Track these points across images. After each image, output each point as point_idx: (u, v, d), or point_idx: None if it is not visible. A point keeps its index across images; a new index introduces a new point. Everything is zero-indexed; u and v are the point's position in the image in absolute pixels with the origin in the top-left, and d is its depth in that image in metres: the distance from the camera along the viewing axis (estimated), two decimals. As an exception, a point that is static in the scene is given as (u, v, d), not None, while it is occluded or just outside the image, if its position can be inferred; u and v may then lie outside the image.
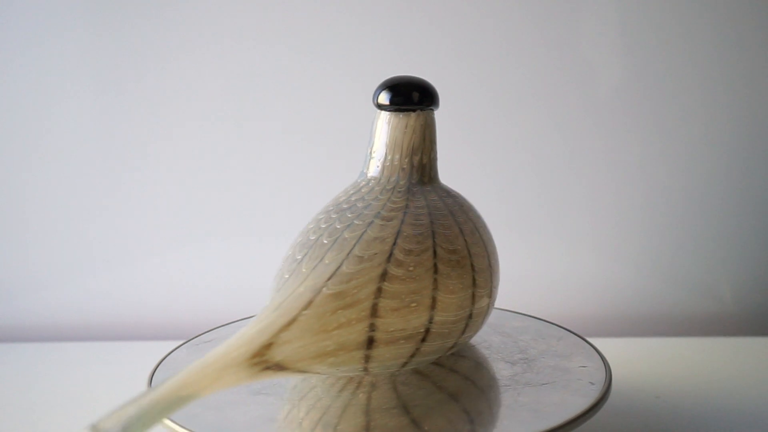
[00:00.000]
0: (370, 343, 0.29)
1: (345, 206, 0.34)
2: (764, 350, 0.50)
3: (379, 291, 0.29)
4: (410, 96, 0.35)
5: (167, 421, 0.29)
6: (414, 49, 0.53)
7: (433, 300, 0.30)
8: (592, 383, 0.31)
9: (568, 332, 0.39)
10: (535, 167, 0.54)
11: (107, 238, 0.56)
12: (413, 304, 0.30)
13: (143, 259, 0.56)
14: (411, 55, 0.54)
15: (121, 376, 0.46)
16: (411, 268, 0.30)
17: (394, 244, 0.31)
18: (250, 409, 0.31)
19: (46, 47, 0.53)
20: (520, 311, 0.43)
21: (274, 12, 0.53)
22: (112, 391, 0.44)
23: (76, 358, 0.51)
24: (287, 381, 0.34)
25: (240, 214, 0.55)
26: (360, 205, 0.33)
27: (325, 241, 0.32)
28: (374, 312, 0.29)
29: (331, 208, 0.34)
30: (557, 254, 0.55)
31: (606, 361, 0.35)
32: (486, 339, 0.38)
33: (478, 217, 0.35)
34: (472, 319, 0.33)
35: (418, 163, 0.35)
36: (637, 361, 0.47)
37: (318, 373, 0.29)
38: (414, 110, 0.35)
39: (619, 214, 0.55)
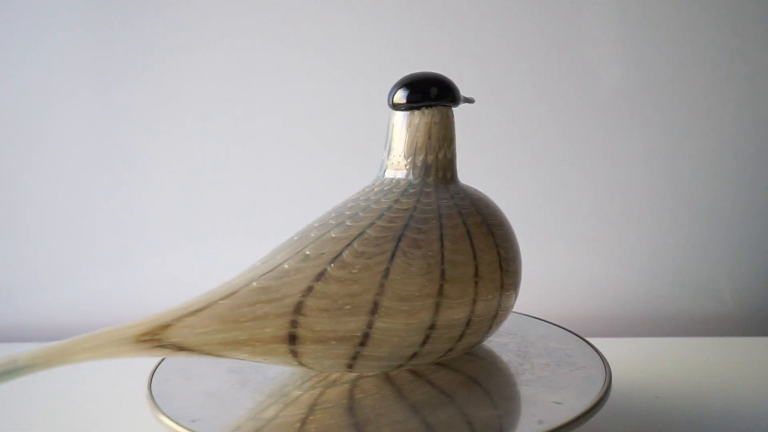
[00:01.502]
0: (293, 339, 0.29)
1: (339, 205, 0.34)
2: (764, 350, 0.50)
3: (309, 290, 0.29)
4: (409, 94, 0.34)
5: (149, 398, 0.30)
6: (414, 49, 0.53)
7: (375, 305, 0.29)
8: (541, 422, 0.29)
9: (569, 333, 0.39)
10: (536, 167, 0.55)
11: (107, 238, 0.56)
12: (347, 307, 0.29)
13: (143, 259, 0.56)
14: (411, 55, 0.54)
15: (121, 376, 0.46)
16: (355, 271, 0.30)
17: (349, 245, 0.30)
18: (215, 382, 0.33)
19: (45, 48, 0.53)
20: (532, 315, 0.42)
21: (274, 12, 0.53)
22: (111, 391, 0.44)
23: (76, 358, 0.51)
24: (267, 366, 0.34)
25: (240, 214, 0.55)
26: (350, 205, 0.33)
27: (296, 239, 0.32)
28: (298, 309, 0.29)
29: (332, 208, 0.34)
30: (558, 254, 0.55)
31: (606, 361, 0.35)
32: (501, 353, 0.37)
33: (482, 223, 0.33)
34: (436, 330, 0.31)
35: (422, 162, 0.34)
36: (637, 361, 0.47)
37: (242, 359, 0.29)
38: (418, 107, 0.34)
39: (619, 214, 0.55)
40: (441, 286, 0.31)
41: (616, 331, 0.55)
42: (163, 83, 0.54)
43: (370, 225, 0.31)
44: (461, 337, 0.32)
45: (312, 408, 0.30)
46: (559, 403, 0.31)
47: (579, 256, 0.55)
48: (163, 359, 0.36)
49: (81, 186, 0.55)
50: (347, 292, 0.29)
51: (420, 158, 0.34)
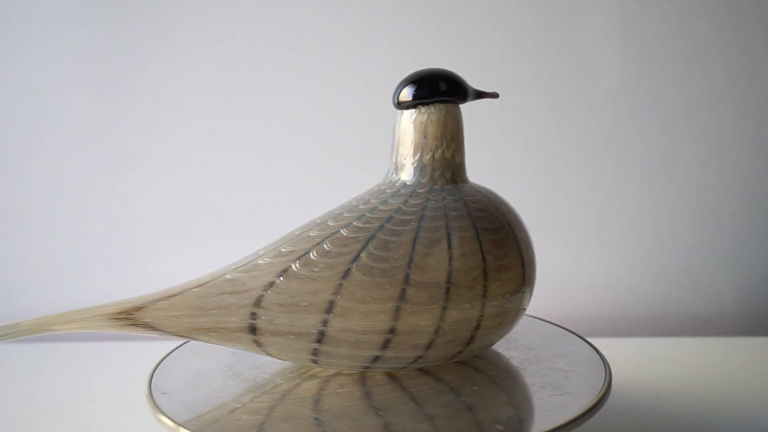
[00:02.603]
0: (254, 330, 0.30)
1: (337, 206, 0.34)
2: (764, 350, 0.50)
3: (270, 284, 0.30)
4: (406, 92, 0.34)
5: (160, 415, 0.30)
6: (416, 50, 0.53)
7: (331, 304, 0.30)
8: None
9: (569, 333, 0.39)
10: (536, 167, 0.55)
11: (107, 238, 0.56)
12: (303, 304, 0.30)
13: (143, 259, 0.56)
14: (413, 56, 0.54)
15: (121, 376, 0.46)
16: (317, 269, 0.30)
17: (319, 244, 0.31)
18: (211, 362, 0.35)
19: (47, 49, 0.53)
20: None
21: (274, 13, 0.53)
22: (111, 391, 0.44)
23: (76, 358, 0.51)
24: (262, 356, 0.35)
25: (240, 214, 0.55)
26: (344, 204, 0.33)
27: (283, 236, 0.33)
28: (258, 303, 0.30)
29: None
30: (558, 254, 0.55)
31: (606, 361, 0.35)
32: (498, 367, 0.35)
33: (469, 227, 0.31)
34: (397, 335, 0.30)
35: (419, 162, 0.33)
36: (637, 361, 0.47)
37: (213, 343, 0.31)
38: (415, 106, 0.34)
39: (619, 214, 0.55)
40: (403, 290, 0.30)
41: (616, 331, 0.55)
42: (164, 84, 0.54)
43: (347, 225, 0.31)
44: (430, 345, 0.31)
45: (283, 397, 0.31)
46: (501, 427, 0.29)
47: (579, 256, 0.55)
48: (153, 374, 0.35)
49: (81, 186, 0.55)
50: (306, 289, 0.30)
51: (416, 158, 0.33)
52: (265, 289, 0.30)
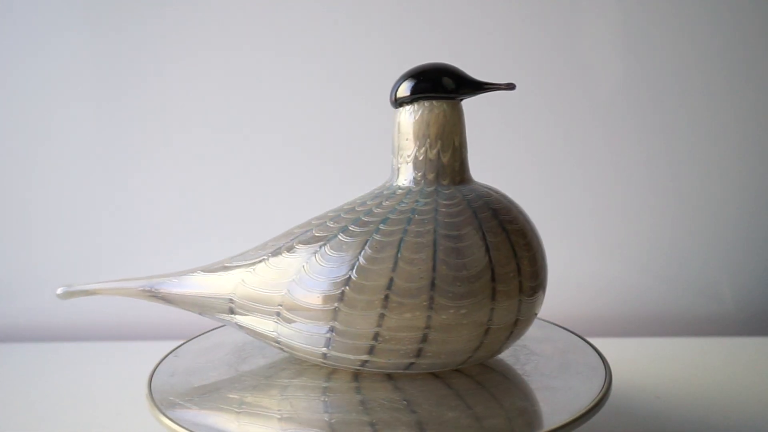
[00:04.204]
0: (232, 311, 0.33)
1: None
2: (764, 350, 0.50)
3: (245, 274, 0.33)
4: (393, 92, 0.33)
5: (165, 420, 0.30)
6: (415, 50, 0.53)
7: (282, 299, 0.31)
8: None
9: (569, 332, 0.39)
10: (536, 166, 0.54)
11: (107, 239, 0.56)
12: (263, 296, 0.32)
13: (143, 260, 0.56)
14: (412, 57, 0.53)
15: (121, 376, 0.46)
16: (281, 265, 0.32)
17: (291, 240, 0.32)
18: (228, 338, 0.39)
19: (48, 52, 0.53)
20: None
21: (273, 18, 0.53)
22: (111, 391, 0.44)
23: (76, 358, 0.51)
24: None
25: (240, 215, 0.55)
26: (339, 205, 0.34)
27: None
28: (234, 289, 0.33)
29: None
30: (558, 254, 0.55)
31: (606, 361, 0.35)
32: (472, 384, 0.32)
33: (429, 233, 0.30)
34: (338, 334, 0.30)
35: (404, 162, 0.33)
36: (637, 361, 0.47)
37: (209, 317, 0.35)
38: (401, 105, 0.33)
39: (619, 214, 0.55)
40: (343, 292, 0.30)
41: (616, 331, 0.55)
42: (166, 89, 0.54)
43: (321, 225, 0.32)
44: (371, 350, 0.30)
45: (267, 378, 0.34)
46: None
47: (579, 255, 0.55)
48: (153, 374, 0.36)
49: (82, 187, 0.55)
50: (266, 282, 0.32)
51: (401, 158, 0.33)
52: (241, 278, 0.33)
